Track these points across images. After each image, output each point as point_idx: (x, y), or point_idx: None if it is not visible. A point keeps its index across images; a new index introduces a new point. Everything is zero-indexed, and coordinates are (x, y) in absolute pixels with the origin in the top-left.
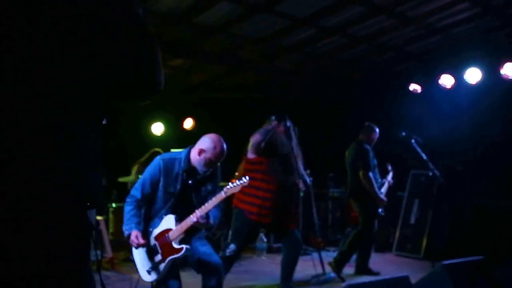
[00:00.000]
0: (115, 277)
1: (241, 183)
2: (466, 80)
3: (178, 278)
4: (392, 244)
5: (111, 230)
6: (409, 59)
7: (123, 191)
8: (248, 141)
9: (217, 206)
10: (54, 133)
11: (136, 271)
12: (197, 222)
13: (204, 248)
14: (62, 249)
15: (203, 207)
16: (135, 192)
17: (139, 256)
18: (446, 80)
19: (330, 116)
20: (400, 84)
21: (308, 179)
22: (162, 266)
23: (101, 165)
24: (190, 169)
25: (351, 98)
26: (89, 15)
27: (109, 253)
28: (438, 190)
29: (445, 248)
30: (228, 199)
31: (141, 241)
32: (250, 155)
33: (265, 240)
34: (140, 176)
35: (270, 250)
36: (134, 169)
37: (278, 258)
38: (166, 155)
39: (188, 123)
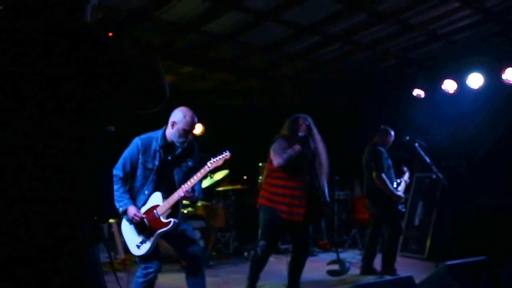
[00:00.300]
0: (127, 278)
1: (223, 157)
2: (469, 85)
3: (158, 257)
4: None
5: None
6: (412, 65)
7: None
8: (263, 145)
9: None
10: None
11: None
12: (184, 197)
13: (190, 233)
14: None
15: (189, 182)
16: (117, 171)
17: (129, 231)
18: (449, 85)
19: (336, 121)
20: (404, 90)
21: (327, 192)
22: (151, 239)
23: (112, 175)
24: (167, 145)
25: (356, 103)
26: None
27: (121, 255)
28: (441, 192)
29: (448, 248)
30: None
31: (142, 215)
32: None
33: None
34: None
35: (277, 251)
36: None
37: (285, 259)
38: (143, 135)
39: (198, 129)
